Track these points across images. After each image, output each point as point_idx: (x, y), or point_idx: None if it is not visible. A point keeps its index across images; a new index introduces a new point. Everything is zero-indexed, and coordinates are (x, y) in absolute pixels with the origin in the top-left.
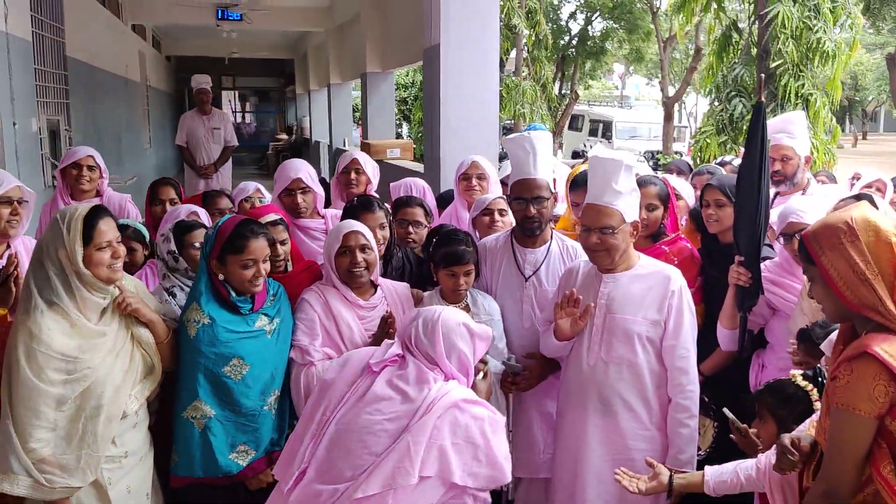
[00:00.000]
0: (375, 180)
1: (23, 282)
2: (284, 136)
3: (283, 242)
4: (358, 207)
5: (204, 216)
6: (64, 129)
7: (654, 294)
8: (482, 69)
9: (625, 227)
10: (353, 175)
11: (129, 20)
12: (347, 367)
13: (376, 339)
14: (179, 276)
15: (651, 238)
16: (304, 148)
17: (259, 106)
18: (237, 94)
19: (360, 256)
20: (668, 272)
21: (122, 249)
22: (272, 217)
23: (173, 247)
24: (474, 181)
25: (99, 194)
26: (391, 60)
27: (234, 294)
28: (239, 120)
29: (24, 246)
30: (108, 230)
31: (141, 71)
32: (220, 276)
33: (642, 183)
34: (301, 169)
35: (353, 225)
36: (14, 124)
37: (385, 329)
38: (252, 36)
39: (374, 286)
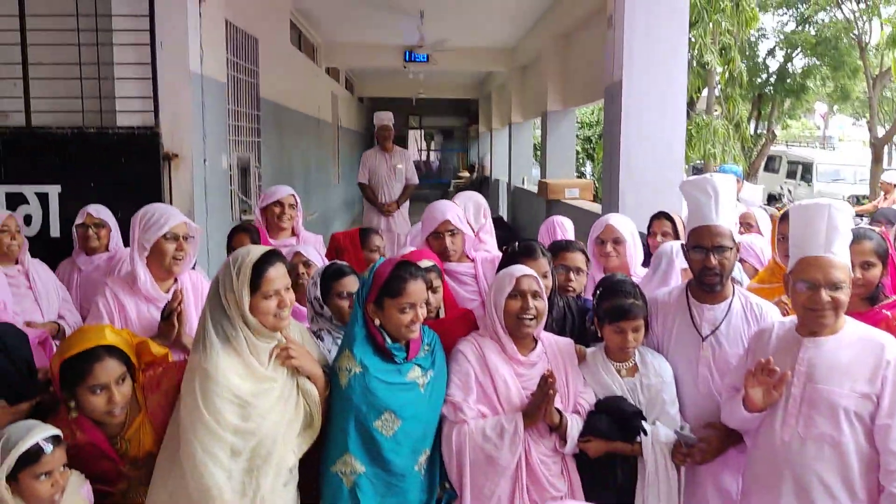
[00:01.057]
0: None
1: (199, 320)
2: (466, 174)
3: (435, 290)
4: (520, 253)
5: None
6: (254, 165)
7: (865, 363)
8: (667, 106)
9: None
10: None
11: (324, 63)
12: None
13: (534, 400)
14: (325, 322)
15: (868, 301)
16: (483, 185)
17: (444, 144)
18: (423, 133)
19: (531, 303)
20: (881, 339)
21: (291, 297)
22: (427, 263)
23: (318, 293)
24: (609, 246)
25: (294, 233)
26: (572, 98)
27: (389, 340)
28: (423, 158)
29: (190, 281)
30: (276, 278)
31: (333, 111)
32: (377, 322)
33: (856, 237)
34: (449, 210)
35: (526, 269)
36: (204, 161)
37: (545, 390)
38: (438, 77)
39: (535, 341)
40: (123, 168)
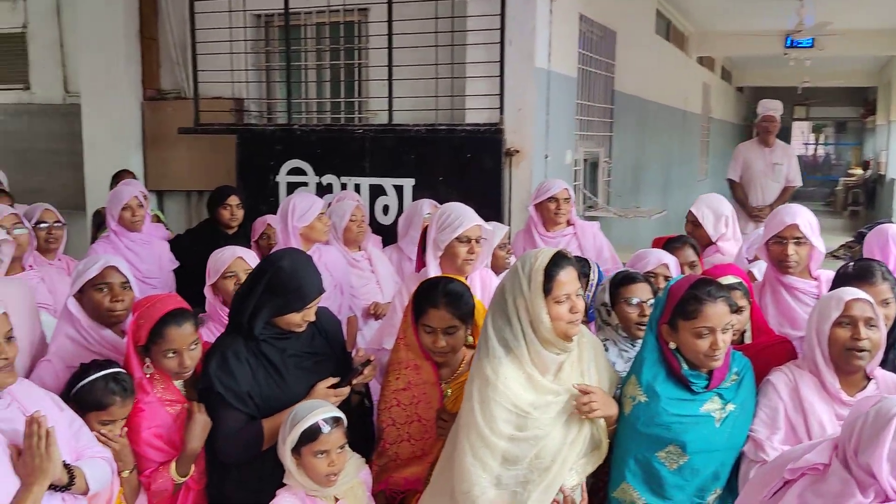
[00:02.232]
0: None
1: (482, 324)
2: (858, 171)
3: (740, 310)
4: (853, 276)
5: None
6: (604, 160)
7: None
8: None
9: None
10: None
11: (695, 53)
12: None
13: None
14: (612, 332)
15: None
16: (877, 186)
17: (836, 137)
18: (811, 125)
19: (863, 332)
20: None
21: (581, 304)
22: (731, 280)
23: (607, 299)
24: None
25: (570, 223)
26: None
27: (686, 367)
28: (810, 152)
29: (480, 279)
30: (568, 281)
31: (703, 102)
32: (672, 345)
33: None
34: (799, 214)
35: (859, 292)
36: (546, 156)
37: None
38: (826, 63)
39: (866, 379)
40: (469, 163)
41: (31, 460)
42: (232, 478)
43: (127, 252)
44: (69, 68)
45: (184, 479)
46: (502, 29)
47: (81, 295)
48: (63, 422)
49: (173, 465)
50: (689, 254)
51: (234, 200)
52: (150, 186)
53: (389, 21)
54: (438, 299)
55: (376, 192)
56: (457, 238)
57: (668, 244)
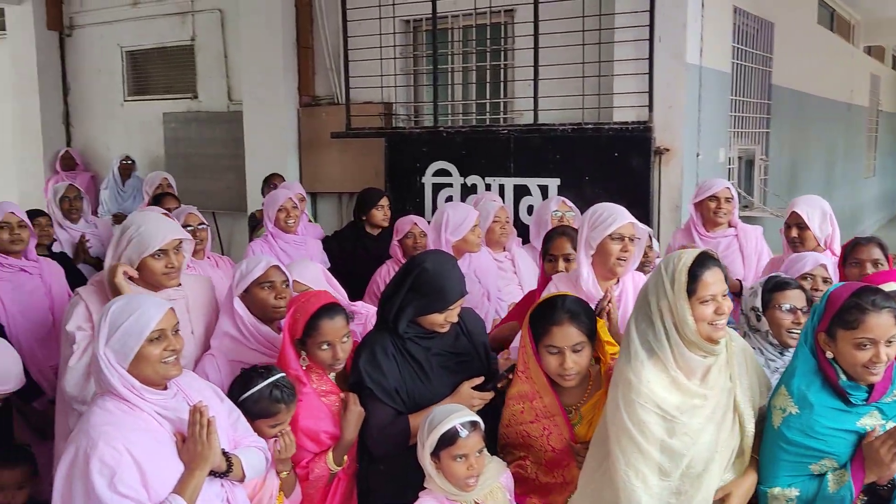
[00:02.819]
0: None
1: (625, 326)
2: None
3: None
4: None
5: None
6: (759, 158)
7: None
8: None
9: None
10: None
11: (862, 42)
12: None
13: None
14: (760, 339)
15: None
16: None
17: None
18: None
19: None
20: None
21: (728, 305)
22: (894, 287)
23: (758, 303)
24: None
25: (732, 225)
26: None
27: (844, 378)
28: None
29: (633, 282)
30: (713, 282)
31: (871, 95)
32: (829, 354)
33: None
34: None
35: None
36: (697, 155)
37: None
38: None
39: None
40: (616, 162)
41: (194, 447)
42: (379, 470)
43: (280, 253)
44: (232, 78)
45: (339, 468)
46: (651, 25)
47: (245, 294)
48: (223, 412)
49: (330, 454)
50: (876, 251)
51: (385, 202)
52: (305, 189)
53: (535, 21)
54: (561, 316)
55: (521, 192)
56: (609, 236)
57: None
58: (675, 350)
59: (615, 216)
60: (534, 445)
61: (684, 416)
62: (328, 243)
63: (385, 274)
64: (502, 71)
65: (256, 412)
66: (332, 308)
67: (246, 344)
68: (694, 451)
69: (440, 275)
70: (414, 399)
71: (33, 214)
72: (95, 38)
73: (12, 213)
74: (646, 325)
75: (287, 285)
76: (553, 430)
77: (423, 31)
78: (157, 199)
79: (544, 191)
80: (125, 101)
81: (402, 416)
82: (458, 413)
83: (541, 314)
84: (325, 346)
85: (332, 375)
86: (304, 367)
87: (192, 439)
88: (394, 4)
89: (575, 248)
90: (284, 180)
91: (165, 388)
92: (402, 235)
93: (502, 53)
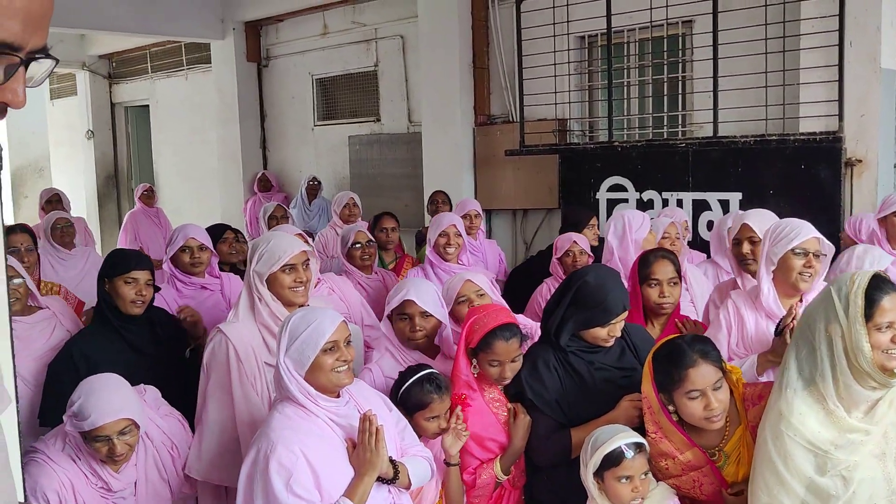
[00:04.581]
0: None
1: (785, 352)
2: None
3: None
4: None
5: None
6: None
7: None
8: None
9: None
10: None
11: None
12: None
13: None
14: None
15: None
16: None
17: None
18: None
19: None
20: None
21: None
22: None
23: None
24: None
25: None
26: None
27: None
28: None
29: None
30: (892, 308)
31: None
32: None
33: None
34: None
35: None
36: (895, 166)
37: None
38: None
39: None
40: (802, 175)
41: (363, 454)
42: (544, 482)
43: (437, 283)
44: (412, 101)
45: (506, 478)
46: (841, 30)
47: (390, 320)
48: (390, 421)
49: (497, 462)
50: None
51: (595, 221)
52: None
53: (715, 31)
54: (693, 357)
55: (700, 207)
56: (792, 250)
57: None
58: (839, 380)
59: (798, 230)
60: (687, 495)
61: (840, 451)
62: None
63: (545, 292)
64: (680, 83)
65: (411, 406)
66: (509, 328)
67: (403, 364)
68: (853, 491)
69: (602, 288)
70: (576, 412)
71: (221, 229)
72: (289, 67)
73: (193, 237)
74: (807, 352)
75: (428, 316)
76: (703, 480)
77: (598, 46)
78: (377, 218)
79: (725, 205)
80: (315, 125)
81: (564, 428)
82: (623, 434)
83: (667, 361)
84: (494, 363)
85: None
86: (475, 375)
87: (361, 446)
88: (568, 21)
89: (677, 271)
90: (448, 197)
91: (338, 396)
92: (561, 253)
93: (680, 65)
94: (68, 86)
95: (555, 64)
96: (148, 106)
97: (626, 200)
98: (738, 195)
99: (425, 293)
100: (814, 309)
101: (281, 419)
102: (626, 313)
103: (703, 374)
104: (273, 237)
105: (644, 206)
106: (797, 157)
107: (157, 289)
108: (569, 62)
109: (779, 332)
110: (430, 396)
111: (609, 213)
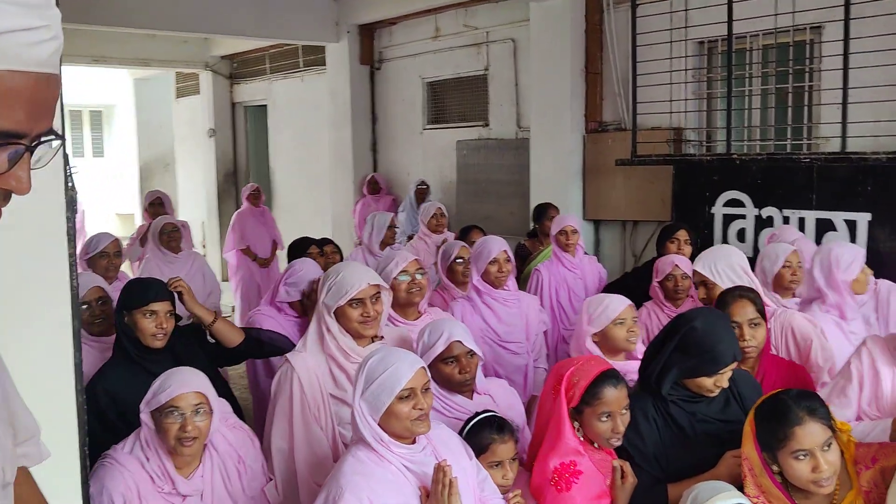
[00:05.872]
0: None
1: None
2: None
3: None
4: None
5: None
6: None
7: None
8: None
9: None
10: None
11: None
12: None
13: None
14: None
15: None
16: None
17: None
18: None
19: None
20: None
21: None
22: None
23: None
24: None
25: None
26: None
27: None
28: None
29: None
30: None
31: None
32: None
33: None
34: None
35: None
36: None
37: None
38: None
39: None
40: None
41: None
42: None
43: (486, 311)
44: (522, 106)
45: None
46: None
47: (430, 366)
48: (471, 470)
49: None
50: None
51: (682, 235)
52: (587, 216)
53: (846, 38)
54: (800, 414)
55: (824, 226)
56: None
57: None
58: None
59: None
60: None
61: None
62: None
63: (644, 317)
64: (806, 94)
65: (473, 450)
66: (614, 374)
67: (445, 414)
68: None
69: (711, 334)
70: (674, 466)
71: (322, 243)
72: (401, 70)
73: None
74: None
75: (473, 356)
76: None
77: (718, 52)
78: (465, 231)
79: (851, 226)
80: (424, 129)
81: (660, 483)
82: (725, 493)
83: (771, 418)
84: (605, 418)
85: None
86: (580, 439)
87: (433, 497)
88: (686, 27)
89: (759, 312)
90: (558, 209)
91: (414, 442)
92: (661, 277)
93: (806, 74)
94: (192, 85)
95: (671, 71)
96: (266, 106)
97: (743, 216)
98: (867, 216)
99: (464, 330)
100: None
101: (353, 463)
102: (735, 363)
103: (810, 432)
104: (344, 269)
105: (763, 223)
106: None
107: (178, 318)
108: (686, 69)
109: None
110: (490, 437)
111: (725, 229)
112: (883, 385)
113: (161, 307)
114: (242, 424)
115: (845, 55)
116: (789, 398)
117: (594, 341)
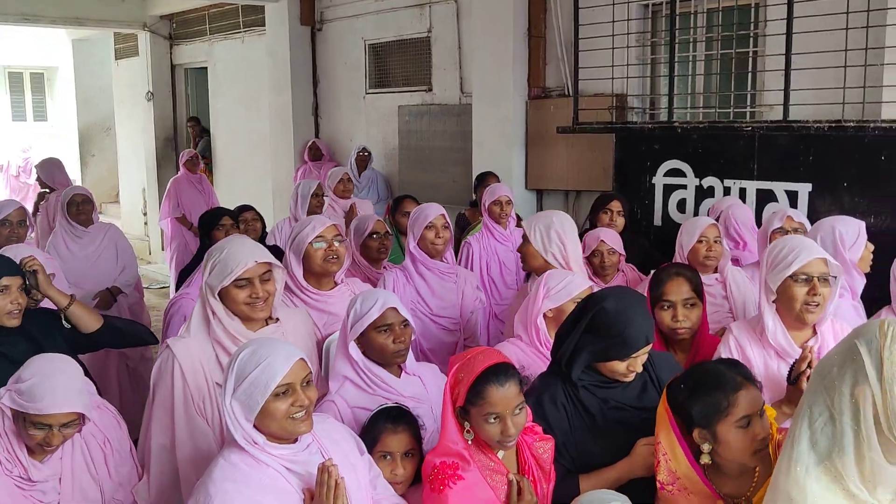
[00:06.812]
0: None
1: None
2: None
3: None
4: None
5: None
6: None
7: None
8: None
9: None
10: None
11: None
12: None
13: None
14: None
15: None
16: None
17: None
18: None
19: None
20: None
21: None
22: None
23: None
24: None
25: None
26: None
27: None
28: None
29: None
30: None
31: None
32: None
33: None
34: None
35: None
36: None
37: None
38: None
39: None
40: (882, 167)
41: None
42: None
43: (419, 282)
44: (465, 70)
45: None
46: None
47: (361, 337)
48: (362, 466)
49: None
50: None
51: (615, 206)
52: (529, 185)
53: (790, 2)
54: (738, 380)
55: (765, 197)
56: (791, 276)
57: None
58: (865, 457)
59: (798, 251)
60: None
61: None
62: None
63: None
64: (750, 60)
65: (368, 444)
66: (503, 370)
67: (367, 391)
68: None
69: (623, 316)
70: (584, 457)
71: (241, 211)
72: (343, 31)
73: None
74: (823, 420)
75: (407, 326)
76: None
77: (662, 16)
78: (399, 201)
79: (792, 197)
80: (367, 93)
81: (571, 475)
82: (612, 502)
83: (708, 390)
84: (492, 419)
85: (500, 454)
86: (469, 442)
87: (318, 500)
88: None
89: (695, 291)
90: (499, 179)
91: (295, 441)
92: (588, 253)
93: (751, 40)
94: (131, 46)
95: (613, 35)
96: (206, 68)
97: (684, 187)
98: (808, 186)
99: (398, 300)
100: (834, 365)
101: (225, 468)
102: (649, 346)
103: (753, 396)
104: (229, 245)
105: (704, 193)
106: (877, 146)
107: (28, 292)
108: (628, 33)
109: (793, 380)
110: (383, 426)
111: (665, 201)
112: (755, 369)
113: (13, 282)
114: (107, 404)
115: (789, 19)
116: (721, 365)
117: (547, 316)
